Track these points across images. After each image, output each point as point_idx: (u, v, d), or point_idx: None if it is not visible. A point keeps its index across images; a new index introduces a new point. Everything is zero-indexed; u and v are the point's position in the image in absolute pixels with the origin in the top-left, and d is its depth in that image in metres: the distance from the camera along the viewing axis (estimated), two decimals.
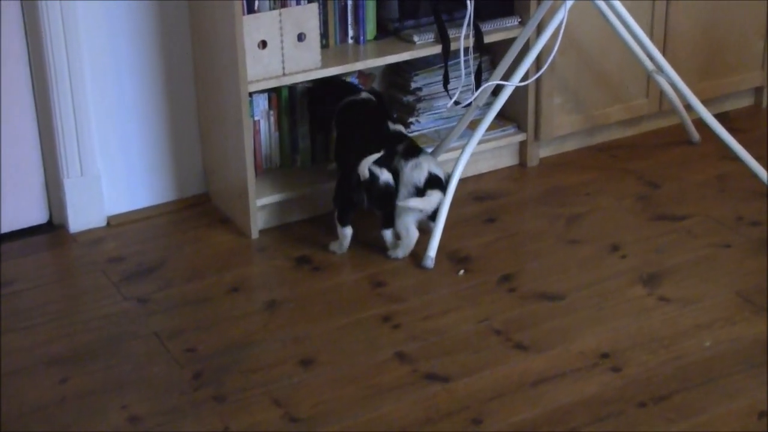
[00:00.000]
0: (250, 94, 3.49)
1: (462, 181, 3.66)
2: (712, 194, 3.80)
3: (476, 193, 3.83)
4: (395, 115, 3.77)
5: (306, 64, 3.48)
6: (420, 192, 3.38)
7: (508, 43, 3.67)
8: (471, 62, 3.57)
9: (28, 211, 3.63)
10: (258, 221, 3.58)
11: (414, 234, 3.42)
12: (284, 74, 3.47)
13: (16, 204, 3.60)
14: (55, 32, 3.39)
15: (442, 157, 3.71)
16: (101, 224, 3.67)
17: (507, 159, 4.01)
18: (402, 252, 3.44)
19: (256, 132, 3.63)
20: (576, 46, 3.88)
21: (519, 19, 3.78)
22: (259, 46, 3.40)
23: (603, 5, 3.56)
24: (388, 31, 3.71)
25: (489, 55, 3.87)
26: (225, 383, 2.90)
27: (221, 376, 2.92)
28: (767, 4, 4.16)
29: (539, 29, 3.60)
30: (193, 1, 3.55)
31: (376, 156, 3.31)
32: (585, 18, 3.81)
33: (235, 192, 3.59)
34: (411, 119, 3.82)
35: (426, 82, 3.82)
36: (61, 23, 3.39)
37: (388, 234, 3.43)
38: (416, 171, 3.40)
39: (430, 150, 3.69)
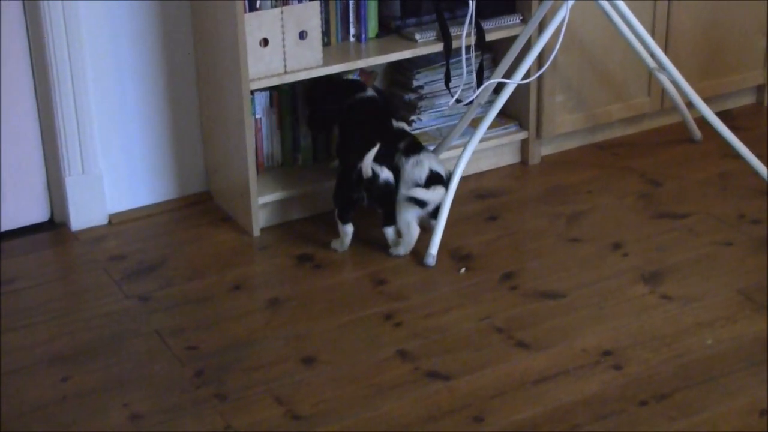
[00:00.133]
0: (252, 92, 3.49)
1: (463, 179, 3.65)
2: (714, 192, 3.79)
3: (478, 191, 3.83)
4: (401, 114, 3.77)
5: (308, 62, 3.48)
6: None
7: (510, 41, 3.67)
8: (473, 60, 3.57)
9: (30, 209, 3.63)
10: (259, 219, 3.58)
11: (415, 231, 3.42)
12: (286, 72, 3.47)
13: (17, 202, 3.60)
14: (57, 31, 3.39)
15: (444, 155, 3.71)
16: (103, 222, 3.67)
17: (508, 157, 4.01)
18: (404, 249, 3.44)
19: (258, 130, 3.63)
20: (578, 44, 3.88)
21: (521, 17, 3.78)
22: (260, 44, 3.40)
23: (605, 4, 3.56)
24: (390, 29, 3.71)
25: (491, 53, 3.87)
26: (226, 381, 2.90)
27: (223, 375, 2.92)
28: None
29: (541, 27, 3.60)
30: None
31: (374, 150, 3.30)
32: (587, 16, 3.81)
33: (236, 190, 3.59)
34: (413, 117, 3.81)
35: (428, 80, 3.81)
36: (62, 22, 3.39)
37: (389, 231, 3.44)
38: (417, 168, 3.40)
39: (431, 148, 3.69)
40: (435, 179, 3.39)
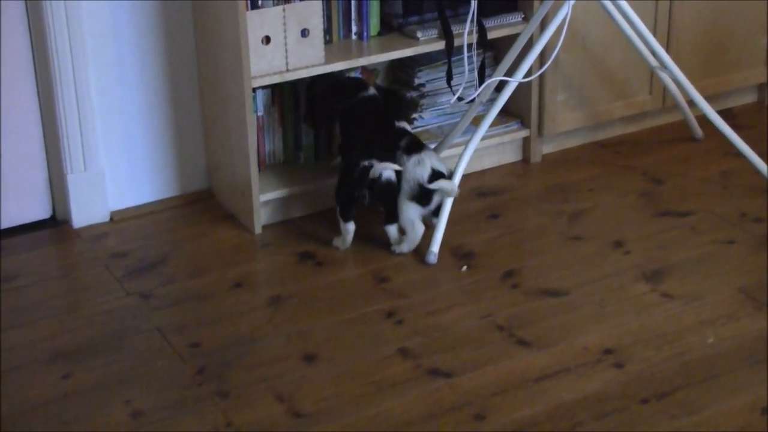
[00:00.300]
0: (254, 90, 3.49)
1: (465, 177, 3.65)
2: (716, 191, 3.79)
3: (479, 189, 3.83)
4: (414, 116, 3.78)
5: (309, 59, 3.48)
6: (423, 189, 3.38)
7: (512, 39, 3.67)
8: (474, 58, 3.57)
9: (32, 206, 3.64)
10: (261, 217, 3.58)
11: (420, 229, 3.42)
12: (287, 70, 3.47)
13: (19, 199, 3.60)
14: (59, 28, 3.39)
15: (446, 153, 3.71)
16: (104, 219, 3.67)
17: (510, 155, 4.01)
18: (407, 247, 3.44)
19: (260, 128, 3.63)
20: (579, 42, 3.88)
21: (522, 15, 3.78)
22: (262, 41, 3.40)
23: (608, 2, 3.56)
24: (392, 27, 3.72)
25: (492, 51, 3.87)
26: (228, 378, 2.90)
27: (224, 372, 2.93)
28: None
29: (543, 25, 3.60)
30: None
31: (395, 167, 3.32)
32: (589, 14, 3.81)
33: (238, 188, 3.59)
34: (414, 115, 3.81)
35: (429, 78, 3.82)
36: (65, 19, 3.39)
37: (391, 229, 3.44)
38: (419, 167, 3.40)
39: (433, 146, 3.69)
40: (437, 178, 3.39)
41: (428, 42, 3.65)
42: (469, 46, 3.51)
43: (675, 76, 3.65)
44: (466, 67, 3.50)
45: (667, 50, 3.82)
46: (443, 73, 3.69)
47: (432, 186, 3.36)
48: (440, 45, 3.63)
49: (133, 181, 3.70)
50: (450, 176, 3.44)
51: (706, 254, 3.43)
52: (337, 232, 3.48)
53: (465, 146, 3.54)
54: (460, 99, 3.55)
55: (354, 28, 3.66)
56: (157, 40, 3.58)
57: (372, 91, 3.56)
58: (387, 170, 3.35)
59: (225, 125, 3.58)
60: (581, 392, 2.83)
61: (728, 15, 4.12)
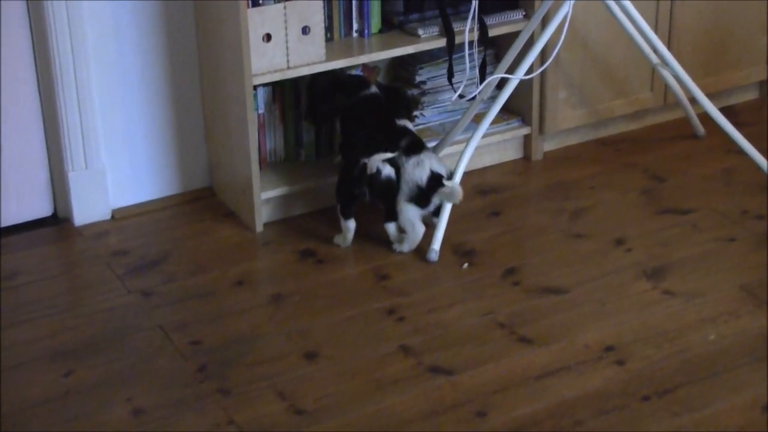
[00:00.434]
0: (255, 88, 3.49)
1: (466, 175, 3.65)
2: (717, 188, 3.79)
3: (480, 187, 3.83)
4: (415, 114, 3.77)
5: (310, 57, 3.48)
6: (422, 191, 3.37)
7: (513, 36, 3.67)
8: (475, 56, 3.57)
9: (33, 204, 3.64)
10: (262, 215, 3.58)
11: (420, 229, 3.41)
12: (289, 68, 3.47)
13: (20, 197, 3.60)
14: (60, 26, 3.39)
15: (447, 150, 3.71)
16: (106, 217, 3.67)
17: (511, 153, 4.01)
18: (408, 247, 3.44)
19: (261, 125, 3.63)
20: (581, 39, 3.87)
21: (524, 13, 3.78)
22: (263, 39, 3.40)
23: (609, 1, 3.57)
24: (393, 25, 3.71)
25: (493, 48, 3.87)
26: (229, 376, 2.90)
27: (226, 369, 2.93)
28: None
29: (544, 23, 3.60)
30: None
31: (388, 155, 3.32)
32: (590, 11, 3.80)
33: (239, 185, 3.59)
34: (415, 112, 3.81)
35: (430, 75, 3.81)
36: (66, 16, 3.39)
37: (391, 227, 3.44)
38: (418, 169, 3.38)
39: (434, 143, 3.69)
40: (436, 180, 3.38)
41: (429, 39, 3.65)
42: (470, 43, 3.51)
43: (676, 73, 3.64)
44: (467, 65, 3.50)
45: (669, 48, 3.82)
46: (444, 71, 3.69)
47: (434, 197, 3.35)
48: (441, 42, 3.63)
49: (135, 179, 3.70)
50: (450, 177, 3.42)
51: (707, 252, 3.43)
52: (338, 229, 3.48)
53: (466, 144, 3.54)
54: (461, 96, 3.55)
55: (355, 26, 3.66)
56: (158, 38, 3.58)
57: (374, 89, 3.56)
58: (386, 167, 3.35)
59: (226, 123, 3.58)
60: (582, 390, 2.83)
61: (729, 13, 4.11)
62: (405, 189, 3.39)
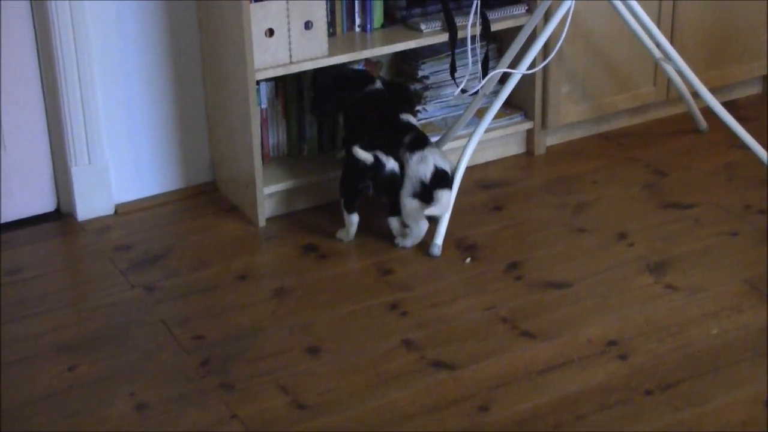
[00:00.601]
0: (258, 83, 3.49)
1: (469, 170, 3.65)
2: (720, 182, 3.79)
3: (483, 182, 3.83)
4: (418, 108, 3.77)
5: (313, 52, 3.48)
6: (425, 187, 3.36)
7: (516, 31, 3.67)
8: (478, 50, 3.57)
9: (36, 199, 3.64)
10: (265, 209, 3.59)
11: (423, 225, 3.41)
12: (291, 62, 3.47)
13: (23, 192, 3.60)
14: (63, 21, 3.40)
15: (449, 145, 3.71)
16: (109, 212, 3.67)
17: (514, 147, 4.01)
18: (411, 242, 3.44)
19: (263, 120, 3.63)
20: (583, 34, 3.87)
21: (526, 7, 3.78)
22: (266, 34, 3.40)
23: None
24: (396, 20, 3.71)
25: (496, 43, 3.87)
26: (232, 371, 2.90)
27: (228, 364, 2.93)
28: None
29: (546, 17, 3.60)
30: None
31: (367, 156, 3.32)
32: (592, 6, 3.80)
33: (242, 180, 3.59)
34: (418, 107, 3.81)
35: (433, 70, 3.81)
36: (69, 12, 3.39)
37: (394, 221, 3.44)
38: (422, 165, 3.38)
39: (436, 138, 3.69)
40: (440, 176, 3.37)
41: (432, 34, 3.65)
42: (473, 38, 3.52)
43: (679, 67, 3.64)
44: (470, 59, 3.50)
45: (671, 42, 3.82)
46: (447, 66, 3.69)
47: (426, 212, 3.34)
48: (444, 37, 3.63)
49: (138, 173, 3.71)
50: (453, 173, 3.42)
51: (709, 246, 3.43)
52: (341, 224, 3.48)
53: (468, 138, 3.54)
54: (463, 91, 3.55)
55: (357, 21, 3.66)
56: (161, 33, 3.58)
57: (378, 84, 3.56)
58: (390, 161, 3.35)
59: (229, 118, 3.58)
60: (585, 384, 2.83)
61: (732, 7, 4.11)
62: (408, 185, 3.38)
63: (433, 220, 3.44)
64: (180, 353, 2.98)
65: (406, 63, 3.85)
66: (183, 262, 3.40)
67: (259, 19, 3.37)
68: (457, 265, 3.37)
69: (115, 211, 3.68)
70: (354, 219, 3.44)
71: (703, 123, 4.10)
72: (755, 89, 4.41)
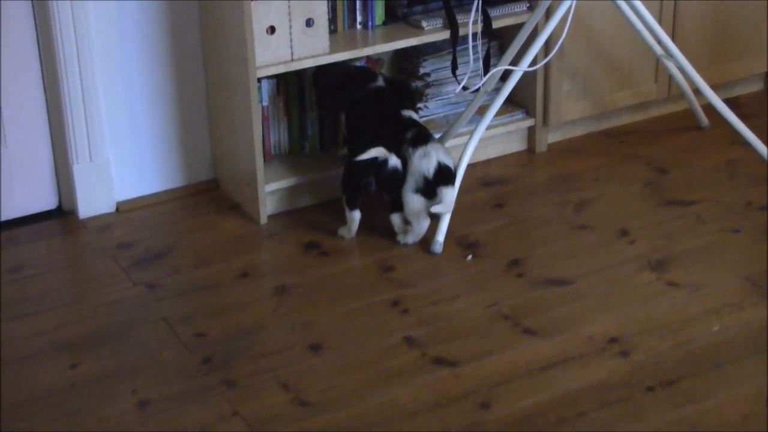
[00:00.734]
0: (259, 80, 3.49)
1: (470, 167, 3.66)
2: (721, 179, 3.79)
3: (484, 179, 3.83)
4: (419, 106, 3.77)
5: (314, 49, 3.49)
6: (428, 183, 3.36)
7: (517, 28, 3.67)
8: (479, 48, 3.57)
9: (38, 197, 3.64)
10: (267, 207, 3.59)
11: (425, 222, 3.42)
12: (293, 60, 3.47)
13: (25, 190, 3.61)
14: (64, 18, 3.40)
15: (451, 142, 3.71)
16: (110, 210, 3.67)
17: (515, 144, 4.01)
18: (412, 239, 3.44)
19: (265, 118, 3.63)
20: (585, 31, 3.87)
21: (527, 5, 3.78)
22: (267, 31, 3.40)
23: None
24: (397, 17, 3.72)
25: (497, 40, 3.87)
26: (234, 368, 2.91)
27: (230, 361, 2.93)
28: None
29: (548, 15, 3.60)
30: None
31: (377, 151, 3.32)
32: (594, 3, 3.80)
33: (243, 178, 3.60)
34: (419, 105, 3.81)
35: (434, 67, 3.82)
36: (70, 9, 3.39)
37: (396, 218, 3.44)
38: (425, 160, 3.37)
39: (438, 135, 3.69)
40: (443, 171, 3.37)
41: (433, 31, 3.65)
42: (474, 35, 3.51)
43: (680, 64, 3.64)
44: (471, 57, 3.50)
45: (673, 39, 3.81)
46: (448, 63, 3.68)
47: (433, 210, 3.35)
48: (445, 34, 3.63)
49: (139, 171, 3.71)
50: (456, 169, 3.42)
51: (711, 243, 3.43)
52: (342, 221, 3.48)
53: (470, 136, 3.54)
54: (465, 88, 3.55)
55: (359, 18, 3.66)
56: (162, 30, 3.58)
57: (381, 81, 3.57)
58: (393, 158, 3.35)
59: (230, 116, 3.58)
60: (586, 381, 2.83)
61: (733, 4, 4.11)
62: (411, 180, 3.38)
63: (435, 217, 3.45)
64: (182, 351, 2.99)
65: (407, 60, 3.86)
66: (184, 260, 3.40)
67: (260, 16, 3.37)
68: (458, 262, 3.37)
69: (117, 209, 3.68)
70: (356, 216, 3.44)
71: (704, 120, 4.10)
72: (757, 86, 4.41)
